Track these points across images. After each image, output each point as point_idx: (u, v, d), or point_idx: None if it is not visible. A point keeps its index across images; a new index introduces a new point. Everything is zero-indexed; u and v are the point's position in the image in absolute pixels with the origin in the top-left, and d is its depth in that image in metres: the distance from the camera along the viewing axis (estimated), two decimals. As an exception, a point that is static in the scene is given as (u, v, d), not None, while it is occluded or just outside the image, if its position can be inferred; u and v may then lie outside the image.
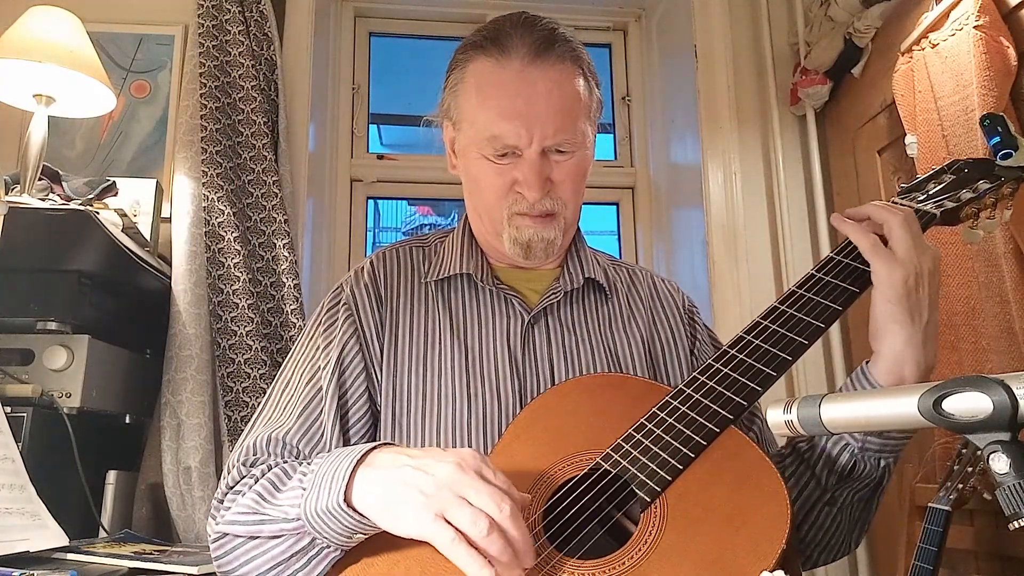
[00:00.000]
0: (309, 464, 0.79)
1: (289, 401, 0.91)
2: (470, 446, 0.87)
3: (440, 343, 0.93)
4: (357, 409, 0.90)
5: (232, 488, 0.83)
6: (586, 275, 1.00)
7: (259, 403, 1.06)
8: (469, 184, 0.98)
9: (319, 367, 0.91)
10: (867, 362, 0.84)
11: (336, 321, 0.95)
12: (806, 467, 0.88)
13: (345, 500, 0.70)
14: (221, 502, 0.84)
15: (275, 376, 0.98)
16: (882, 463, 0.86)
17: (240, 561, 0.79)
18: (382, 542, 0.73)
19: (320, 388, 0.90)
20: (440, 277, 0.98)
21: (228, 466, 0.87)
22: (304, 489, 0.74)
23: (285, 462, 0.84)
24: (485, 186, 0.93)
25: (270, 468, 0.82)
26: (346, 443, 0.88)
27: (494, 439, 0.86)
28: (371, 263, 1.01)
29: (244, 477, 0.83)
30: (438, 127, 1.01)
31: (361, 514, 0.70)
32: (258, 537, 0.78)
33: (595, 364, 0.94)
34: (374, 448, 0.74)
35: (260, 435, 0.87)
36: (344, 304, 0.96)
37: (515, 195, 0.92)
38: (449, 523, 0.65)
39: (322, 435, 0.87)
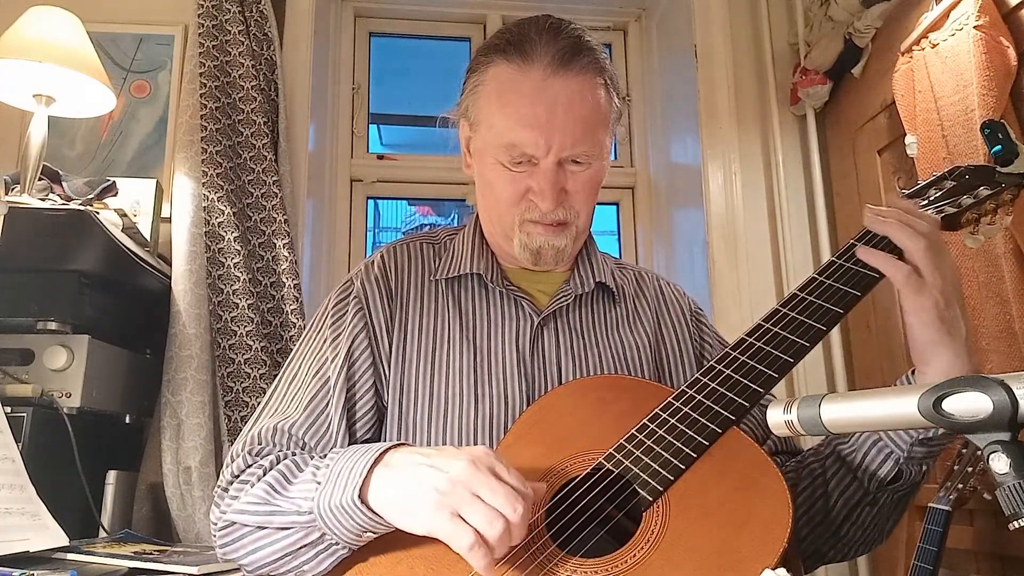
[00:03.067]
0: (323, 458, 0.79)
1: (296, 393, 0.91)
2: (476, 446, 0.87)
3: (449, 342, 0.93)
4: (364, 403, 0.90)
5: (238, 477, 0.83)
6: (596, 279, 1.00)
7: (259, 403, 1.07)
8: (482, 187, 0.98)
9: (326, 359, 0.91)
10: (913, 372, 0.83)
11: (346, 314, 0.94)
12: (847, 470, 0.86)
13: (360, 498, 0.71)
14: (226, 490, 0.83)
15: (279, 370, 0.97)
16: (924, 467, 0.85)
17: (247, 549, 0.80)
18: (388, 540, 0.73)
19: (327, 380, 0.89)
20: (450, 276, 0.98)
21: (232, 454, 0.86)
22: (318, 483, 0.75)
23: (294, 454, 0.84)
24: (499, 191, 0.93)
25: (279, 460, 0.82)
26: (351, 437, 0.88)
27: (500, 439, 0.86)
28: (382, 257, 1.00)
29: (251, 466, 0.83)
30: (454, 126, 1.00)
31: (375, 512, 0.71)
32: (267, 527, 0.78)
33: (602, 368, 0.94)
34: (390, 448, 0.74)
35: (265, 425, 0.87)
36: (355, 297, 0.95)
37: (528, 203, 0.91)
38: (465, 521, 0.65)
39: (328, 428, 0.87)
